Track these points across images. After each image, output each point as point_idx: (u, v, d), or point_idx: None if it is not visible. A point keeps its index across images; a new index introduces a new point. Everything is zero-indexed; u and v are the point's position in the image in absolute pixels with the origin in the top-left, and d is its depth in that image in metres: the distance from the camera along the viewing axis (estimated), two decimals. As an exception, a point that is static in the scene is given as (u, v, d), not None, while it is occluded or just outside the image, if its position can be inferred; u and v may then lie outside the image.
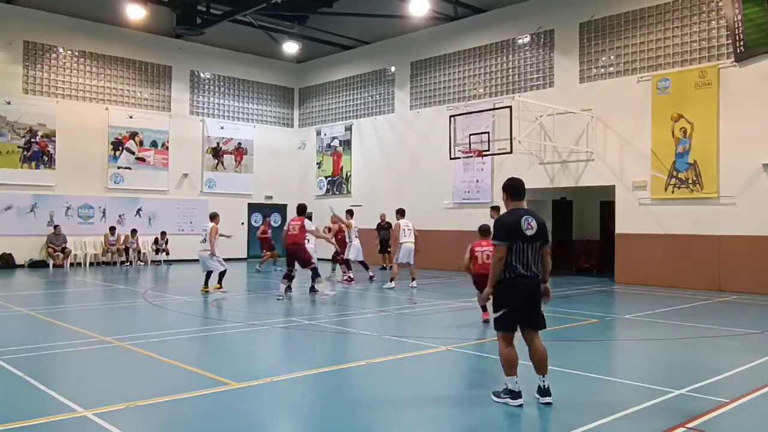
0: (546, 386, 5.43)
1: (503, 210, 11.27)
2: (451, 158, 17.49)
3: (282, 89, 26.61)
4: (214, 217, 13.55)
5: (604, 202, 18.89)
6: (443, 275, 18.07)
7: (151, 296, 12.89)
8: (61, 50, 21.07)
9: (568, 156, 17.56)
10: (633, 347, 8.62)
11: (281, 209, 26.09)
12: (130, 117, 22.34)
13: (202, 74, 24.31)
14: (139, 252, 21.78)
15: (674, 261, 15.45)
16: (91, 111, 21.55)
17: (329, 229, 17.04)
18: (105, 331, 9.02)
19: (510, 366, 5.39)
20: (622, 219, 16.55)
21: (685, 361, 7.67)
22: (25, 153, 20.25)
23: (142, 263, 21.74)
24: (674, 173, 15.57)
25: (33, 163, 20.40)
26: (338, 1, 22.38)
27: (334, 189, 24.90)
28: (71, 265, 20.54)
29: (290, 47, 24.11)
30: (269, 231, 20.07)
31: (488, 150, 16.55)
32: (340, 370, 6.91)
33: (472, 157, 17.53)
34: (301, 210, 13.06)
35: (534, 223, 5.39)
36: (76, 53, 21.39)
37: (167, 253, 22.06)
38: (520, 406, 5.34)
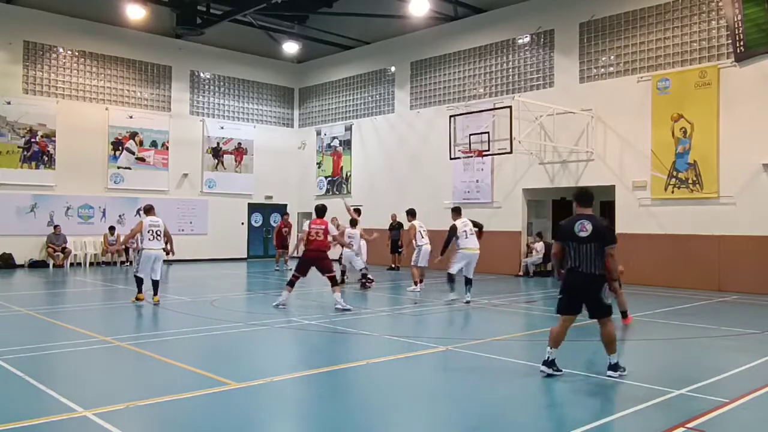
0: (612, 363, 6.39)
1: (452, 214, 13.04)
2: (451, 158, 17.50)
3: (282, 89, 26.59)
4: (149, 210, 12.39)
5: (604, 202, 18.86)
6: (443, 275, 17.99)
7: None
8: (61, 50, 21.06)
9: (568, 156, 17.55)
10: (633, 347, 8.61)
11: (281, 209, 26.08)
12: (130, 117, 22.34)
13: (202, 74, 24.30)
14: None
15: (674, 261, 15.45)
16: (91, 111, 21.54)
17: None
18: (105, 331, 9.02)
19: (551, 339, 6.44)
20: (622, 219, 16.54)
21: (685, 361, 7.67)
22: (25, 153, 20.25)
23: (142, 263, 21.69)
24: (674, 173, 15.56)
25: (33, 163, 20.39)
26: (338, 1, 22.38)
27: (334, 189, 24.89)
28: (71, 265, 20.54)
29: (290, 47, 24.12)
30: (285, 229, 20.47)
31: (488, 150, 16.54)
32: (340, 370, 6.90)
33: (472, 157, 17.52)
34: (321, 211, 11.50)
35: (589, 226, 6.27)
36: (76, 53, 21.38)
37: (167, 254, 21.96)
38: (543, 374, 6.33)
